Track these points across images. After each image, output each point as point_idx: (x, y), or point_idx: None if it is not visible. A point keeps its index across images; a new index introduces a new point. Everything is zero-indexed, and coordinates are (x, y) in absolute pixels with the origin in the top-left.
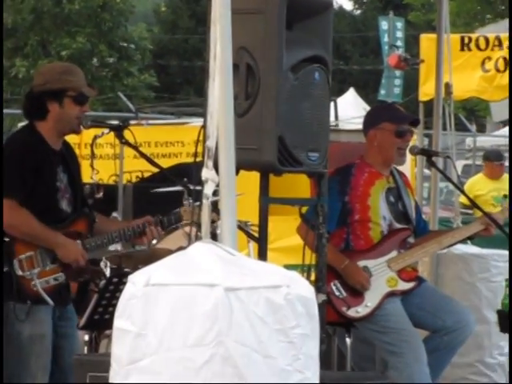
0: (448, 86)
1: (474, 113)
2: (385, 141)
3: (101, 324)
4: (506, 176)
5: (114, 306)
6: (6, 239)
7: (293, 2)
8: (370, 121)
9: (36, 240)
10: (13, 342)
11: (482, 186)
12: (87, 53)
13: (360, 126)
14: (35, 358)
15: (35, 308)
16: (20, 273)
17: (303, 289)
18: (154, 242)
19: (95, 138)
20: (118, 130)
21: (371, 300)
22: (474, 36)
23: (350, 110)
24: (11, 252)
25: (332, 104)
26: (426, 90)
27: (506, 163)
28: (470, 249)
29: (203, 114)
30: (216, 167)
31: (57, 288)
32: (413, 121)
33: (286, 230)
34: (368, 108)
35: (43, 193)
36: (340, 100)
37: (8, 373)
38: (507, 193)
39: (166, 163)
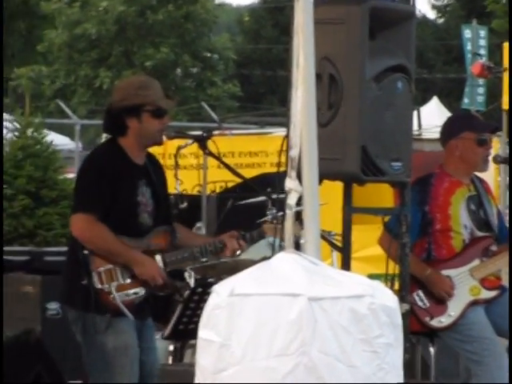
0: None
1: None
2: (467, 150)
3: (185, 334)
4: None
5: (199, 316)
6: (86, 252)
7: (375, 12)
8: (450, 131)
9: (112, 256)
10: (96, 353)
11: None
12: (171, 63)
13: None
14: (119, 369)
15: (115, 320)
16: (99, 286)
17: (387, 298)
18: (238, 252)
19: (179, 148)
20: (202, 141)
21: (454, 309)
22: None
23: (433, 118)
24: (90, 264)
25: (415, 113)
26: (510, 99)
27: None
28: None
29: (286, 124)
30: (299, 177)
31: (136, 302)
32: (493, 128)
33: (369, 239)
34: None
35: (123, 208)
36: (423, 109)
37: None
38: None
39: (249, 173)
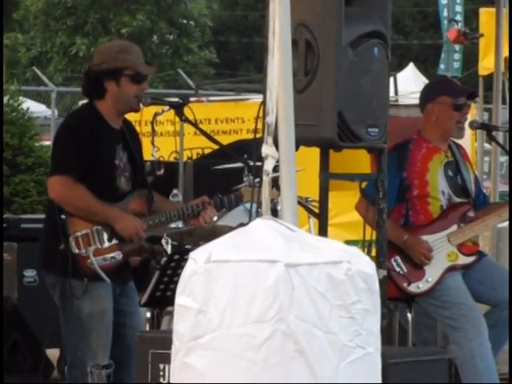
0: (507, 60)
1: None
2: (443, 114)
3: (162, 301)
4: None
5: (176, 282)
6: (63, 216)
7: None
8: (428, 95)
9: (92, 215)
10: (73, 318)
11: None
12: (147, 30)
13: None
14: (96, 334)
15: (92, 285)
16: (76, 250)
17: (364, 264)
18: (215, 218)
19: (155, 115)
20: (178, 108)
21: (432, 275)
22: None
23: (409, 84)
24: (67, 230)
25: (391, 79)
26: (486, 65)
27: None
28: None
29: (263, 91)
30: (276, 143)
31: (115, 266)
32: (470, 94)
33: (346, 205)
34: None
35: (100, 170)
36: (400, 75)
37: (70, 350)
38: None
39: (226, 140)
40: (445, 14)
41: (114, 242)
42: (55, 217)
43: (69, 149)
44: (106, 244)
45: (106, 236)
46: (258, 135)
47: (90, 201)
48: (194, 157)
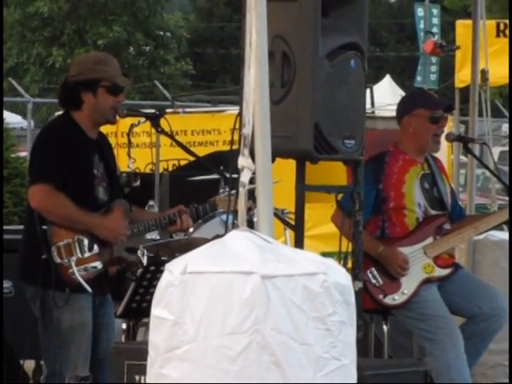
0: (484, 73)
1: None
2: (420, 127)
3: (138, 312)
4: None
5: (152, 294)
6: (44, 227)
7: None
8: (405, 107)
9: (74, 223)
10: (53, 330)
11: None
12: (124, 41)
13: None
14: (76, 346)
15: (74, 296)
16: (58, 260)
17: (340, 276)
18: (191, 230)
19: (132, 126)
20: (154, 119)
21: (408, 287)
22: (509, 22)
23: (386, 96)
24: (49, 239)
25: (368, 91)
26: (462, 77)
27: None
28: (507, 235)
29: (239, 102)
30: (252, 155)
31: (95, 276)
32: (447, 106)
33: (322, 217)
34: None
35: (79, 179)
36: (376, 87)
37: (49, 362)
38: None
39: (202, 151)
40: (421, 26)
41: (95, 251)
42: (35, 227)
43: (48, 158)
44: (87, 254)
45: (86, 245)
46: (235, 147)
47: (72, 209)
48: (170, 168)
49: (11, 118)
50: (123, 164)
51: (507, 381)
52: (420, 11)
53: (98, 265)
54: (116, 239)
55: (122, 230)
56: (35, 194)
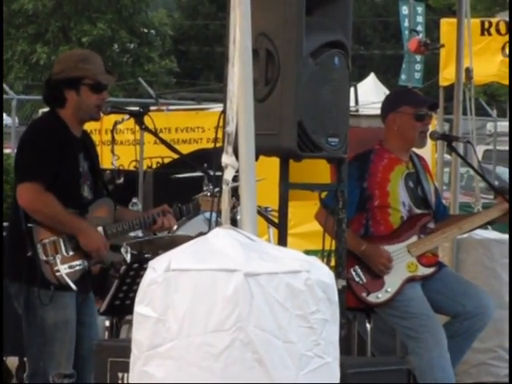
0: (468, 71)
1: (494, 98)
2: (405, 125)
3: (121, 309)
4: None
5: (135, 291)
6: (30, 225)
7: None
8: (389, 105)
9: (59, 224)
10: (37, 327)
11: None
12: (108, 39)
13: None
14: (60, 344)
15: (59, 294)
16: (44, 257)
17: (323, 274)
18: (175, 228)
19: (115, 124)
20: (138, 116)
21: (391, 285)
22: (494, 20)
23: (370, 95)
24: (35, 236)
25: (352, 89)
26: (447, 75)
27: None
28: (491, 234)
29: (223, 100)
30: (236, 153)
31: (80, 274)
32: (431, 104)
33: (305, 215)
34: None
35: (66, 178)
36: (360, 85)
37: (32, 359)
38: None
39: (186, 149)
40: (406, 24)
41: (80, 250)
42: (21, 224)
43: (37, 156)
44: (72, 252)
45: (72, 244)
46: (218, 144)
47: (59, 209)
48: (154, 166)
49: None
50: (107, 161)
51: (491, 379)
52: (404, 9)
53: (83, 262)
54: (96, 251)
55: (101, 249)
56: (24, 192)
